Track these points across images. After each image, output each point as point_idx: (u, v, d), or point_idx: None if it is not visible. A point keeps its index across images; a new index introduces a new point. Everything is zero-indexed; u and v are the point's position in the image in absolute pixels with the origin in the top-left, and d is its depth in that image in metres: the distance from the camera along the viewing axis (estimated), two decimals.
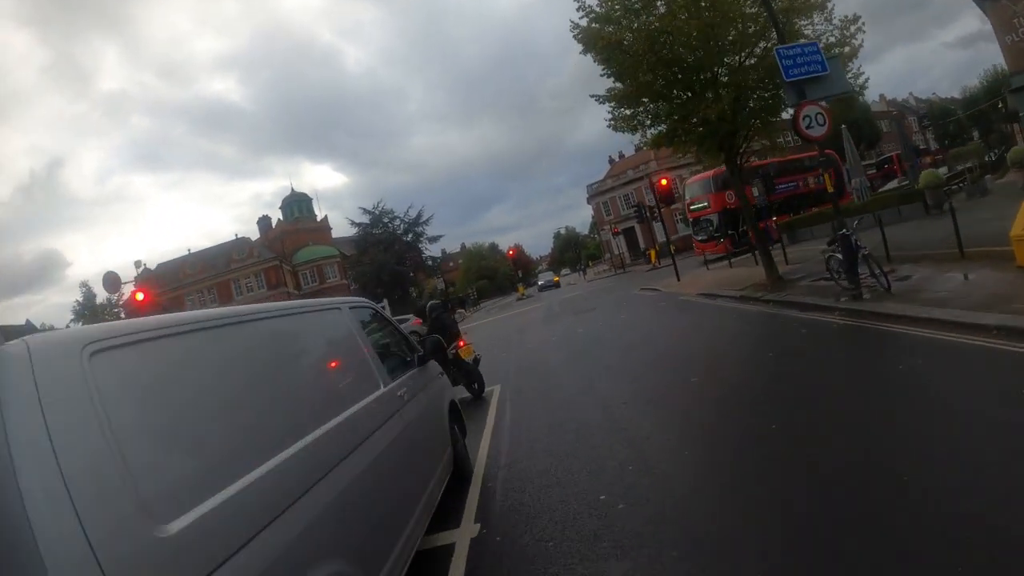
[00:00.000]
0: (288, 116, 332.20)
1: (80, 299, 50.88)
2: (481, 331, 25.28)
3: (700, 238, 30.54)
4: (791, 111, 10.20)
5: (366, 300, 4.61)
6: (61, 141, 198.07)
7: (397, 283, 46.03)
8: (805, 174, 29.91)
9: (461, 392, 9.77)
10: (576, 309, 22.20)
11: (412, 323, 27.50)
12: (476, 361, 9.51)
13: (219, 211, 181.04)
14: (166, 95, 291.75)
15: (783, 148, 17.19)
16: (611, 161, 66.31)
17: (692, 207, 31.00)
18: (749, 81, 12.28)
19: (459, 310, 45.87)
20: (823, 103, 9.96)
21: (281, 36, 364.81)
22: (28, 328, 31.11)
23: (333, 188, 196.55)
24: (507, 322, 26.06)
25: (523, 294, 50.11)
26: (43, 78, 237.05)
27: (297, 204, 58.12)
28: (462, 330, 10.99)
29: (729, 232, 27.95)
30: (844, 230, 9.42)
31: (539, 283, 60.06)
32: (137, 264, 13.38)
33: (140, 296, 12.55)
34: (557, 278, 61.62)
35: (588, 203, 64.08)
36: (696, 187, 31.18)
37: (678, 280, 21.45)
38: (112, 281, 12.38)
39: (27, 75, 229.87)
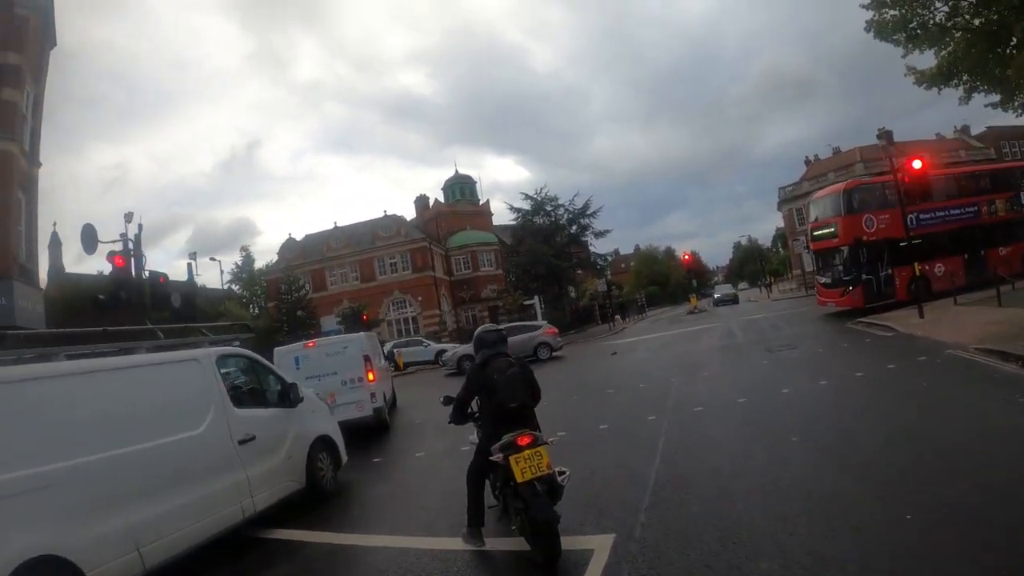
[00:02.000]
0: (475, 110, 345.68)
1: (239, 262, 52.57)
2: (630, 354, 19.51)
3: (824, 280, 20.99)
4: None
5: None
6: (260, 122, 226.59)
7: (554, 278, 41.45)
8: (987, 196, 19.83)
9: (519, 542, 4.51)
10: (767, 342, 15.75)
11: (546, 331, 23.11)
12: (552, 487, 4.27)
13: (401, 194, 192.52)
14: (359, 86, 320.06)
15: None
16: (807, 162, 55.66)
17: (815, 233, 21.28)
18: None
19: (616, 317, 40.22)
20: None
21: (471, 34, 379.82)
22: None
23: (515, 182, 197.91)
24: (670, 346, 20.00)
25: (696, 306, 42.95)
26: (246, 65, 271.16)
27: (459, 186, 55.29)
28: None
29: (864, 276, 18.27)
30: None
31: (715, 296, 52.15)
32: (127, 217, 10.29)
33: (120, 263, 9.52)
34: (736, 292, 53.07)
35: (779, 209, 54.23)
36: (823, 204, 21.25)
37: (921, 317, 14.14)
38: (89, 236, 9.46)
39: (232, 61, 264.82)
